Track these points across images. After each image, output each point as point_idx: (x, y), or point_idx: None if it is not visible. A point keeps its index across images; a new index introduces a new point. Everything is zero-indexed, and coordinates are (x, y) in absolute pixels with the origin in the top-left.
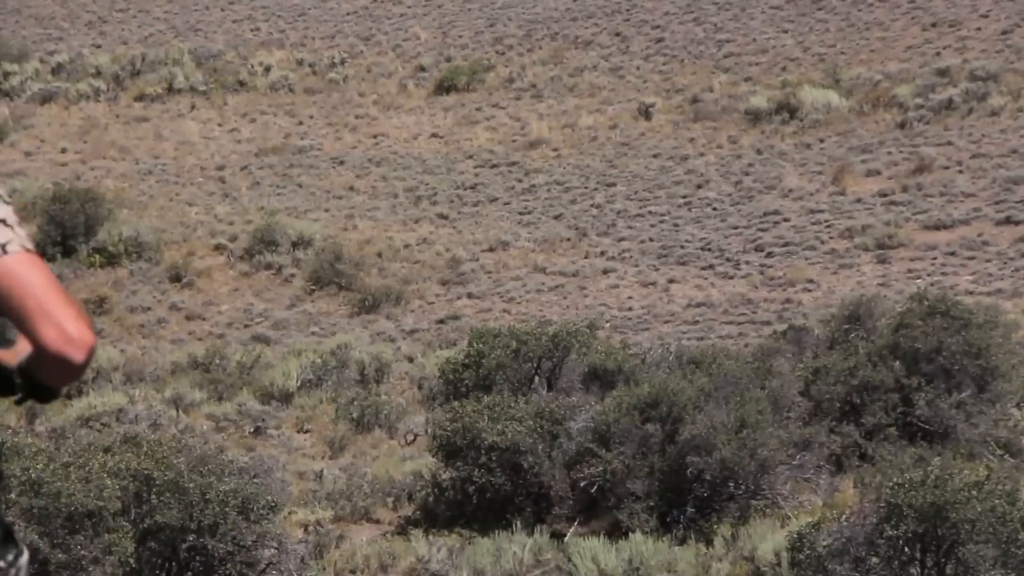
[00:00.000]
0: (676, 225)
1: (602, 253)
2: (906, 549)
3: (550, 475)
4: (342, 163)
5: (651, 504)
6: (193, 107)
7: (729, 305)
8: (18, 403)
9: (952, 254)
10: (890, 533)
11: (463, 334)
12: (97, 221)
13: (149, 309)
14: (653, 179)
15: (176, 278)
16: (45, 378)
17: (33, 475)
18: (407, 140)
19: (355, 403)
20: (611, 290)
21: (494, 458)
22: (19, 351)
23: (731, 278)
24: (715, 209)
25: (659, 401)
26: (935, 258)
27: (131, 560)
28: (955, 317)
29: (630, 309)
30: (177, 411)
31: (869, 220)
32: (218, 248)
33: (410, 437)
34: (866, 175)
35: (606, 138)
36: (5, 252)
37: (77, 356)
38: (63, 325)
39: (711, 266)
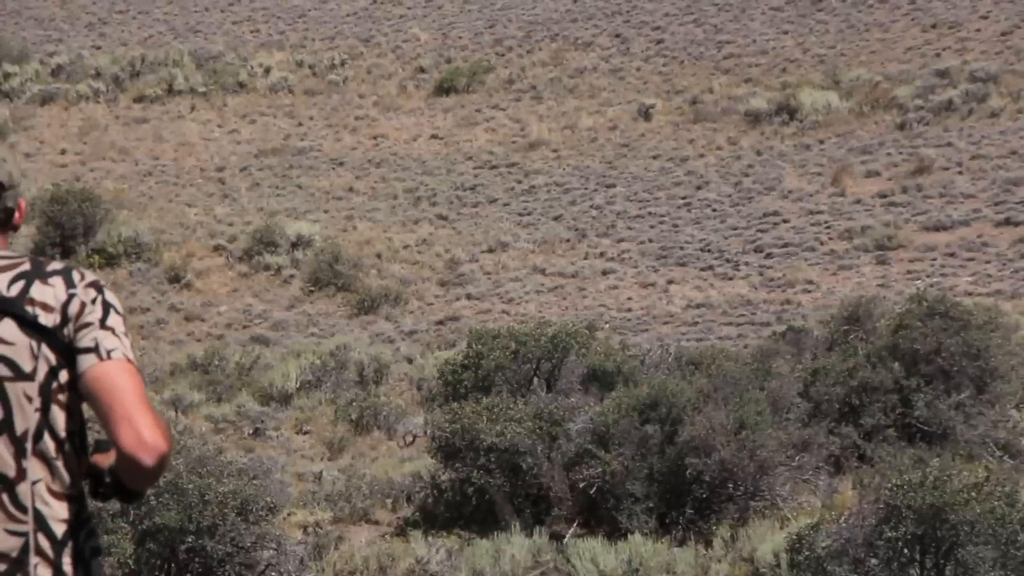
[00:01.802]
0: (676, 226)
1: (601, 254)
2: (905, 550)
3: (549, 476)
4: (342, 164)
5: (650, 505)
6: (193, 108)
7: (728, 306)
8: (100, 499)
9: (951, 255)
10: (889, 534)
11: (462, 335)
12: (94, 222)
13: (148, 310)
14: (653, 180)
15: (175, 279)
16: (125, 479)
17: None
18: (407, 141)
19: (354, 404)
20: (610, 291)
21: (493, 459)
22: (111, 457)
23: (730, 279)
24: (715, 210)
25: (658, 402)
26: (934, 259)
27: (130, 561)
28: (954, 318)
29: (629, 310)
30: (176, 412)
31: (868, 221)
32: (217, 249)
33: (409, 438)
34: (866, 176)
35: (606, 139)
36: (109, 357)
37: (147, 460)
38: (140, 430)
39: (710, 267)
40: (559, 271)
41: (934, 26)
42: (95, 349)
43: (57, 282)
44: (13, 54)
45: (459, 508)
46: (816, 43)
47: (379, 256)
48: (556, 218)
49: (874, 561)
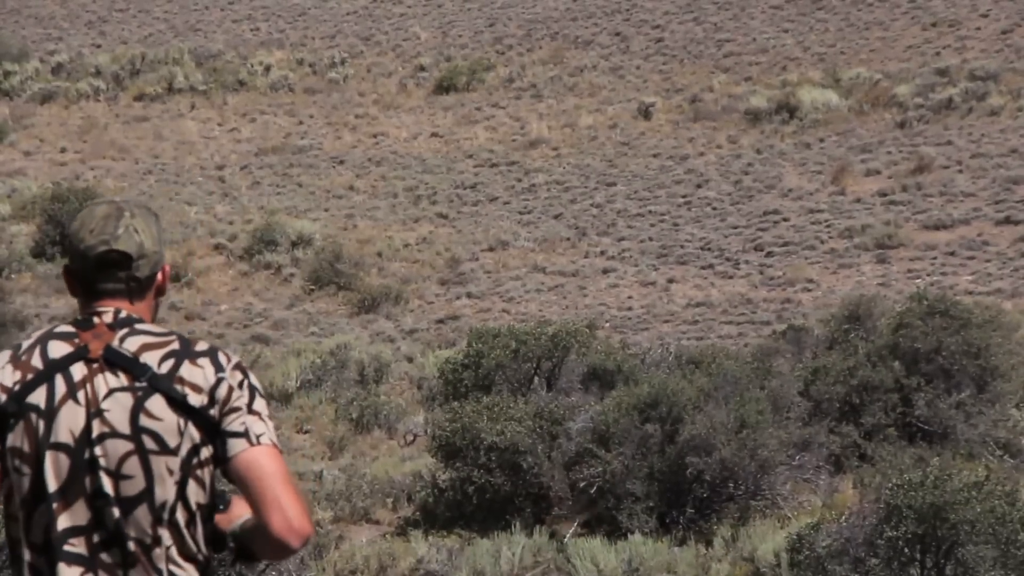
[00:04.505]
0: (676, 225)
1: (602, 253)
2: (906, 550)
3: (549, 475)
4: (342, 163)
5: (650, 505)
6: (193, 107)
7: (729, 305)
8: (231, 563)
9: (952, 254)
10: (890, 534)
11: (462, 334)
12: None
13: None
14: (653, 179)
15: (175, 278)
16: (259, 552)
17: None
18: (407, 140)
19: (354, 403)
20: (611, 290)
21: (493, 458)
22: (233, 518)
23: (731, 278)
24: (715, 209)
25: (659, 401)
26: (935, 258)
27: None
28: (954, 317)
29: (630, 309)
30: None
31: (869, 220)
32: (218, 248)
33: (409, 437)
34: (866, 175)
35: (606, 138)
36: (259, 443)
37: (294, 543)
38: (290, 517)
39: (711, 266)
40: (559, 270)
41: (934, 24)
42: (245, 434)
43: (206, 363)
44: (13, 52)
45: (460, 507)
46: (816, 41)
47: (379, 255)
48: (556, 217)
49: (874, 560)
